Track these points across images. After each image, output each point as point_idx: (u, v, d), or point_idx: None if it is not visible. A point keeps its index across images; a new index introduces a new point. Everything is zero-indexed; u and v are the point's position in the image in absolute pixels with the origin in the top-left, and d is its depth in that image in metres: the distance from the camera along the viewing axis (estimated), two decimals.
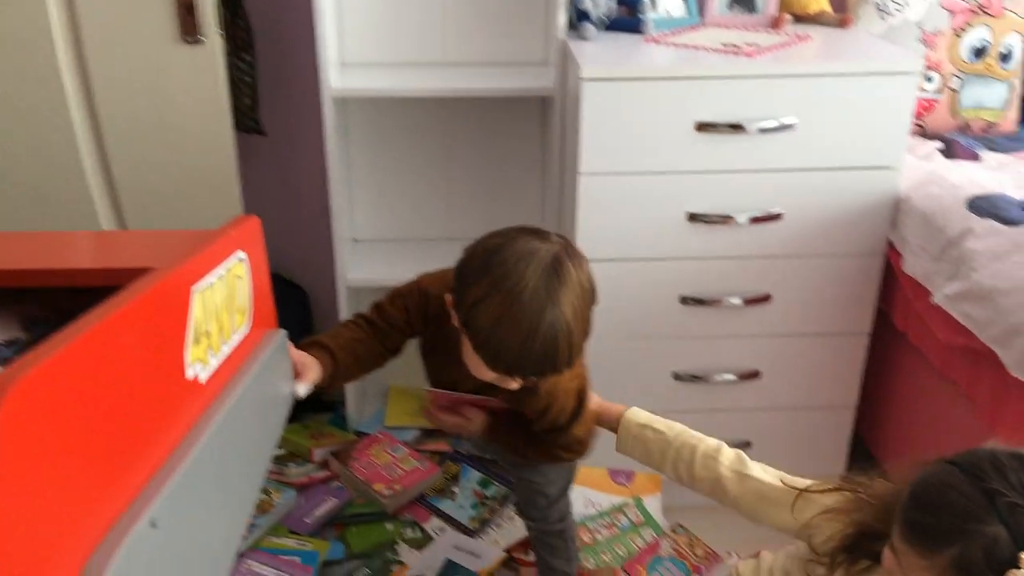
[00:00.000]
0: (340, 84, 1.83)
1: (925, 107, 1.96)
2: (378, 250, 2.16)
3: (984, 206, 1.53)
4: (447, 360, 1.25)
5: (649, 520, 1.85)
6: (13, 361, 0.54)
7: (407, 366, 1.39)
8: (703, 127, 1.60)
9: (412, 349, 1.35)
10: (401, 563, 1.73)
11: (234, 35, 1.88)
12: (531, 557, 1.66)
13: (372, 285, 1.98)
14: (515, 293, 1.03)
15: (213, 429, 0.72)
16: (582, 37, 1.80)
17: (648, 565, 1.75)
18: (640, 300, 1.75)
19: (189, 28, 1.69)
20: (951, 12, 1.94)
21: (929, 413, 1.73)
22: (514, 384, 1.13)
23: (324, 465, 1.99)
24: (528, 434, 1.33)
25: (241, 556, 1.69)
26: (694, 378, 1.82)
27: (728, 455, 1.19)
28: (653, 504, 1.88)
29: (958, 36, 1.95)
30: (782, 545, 1.23)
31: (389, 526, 1.83)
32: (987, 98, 1.98)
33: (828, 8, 1.96)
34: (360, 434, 2.09)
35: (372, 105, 2.05)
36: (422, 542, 1.80)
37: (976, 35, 1.95)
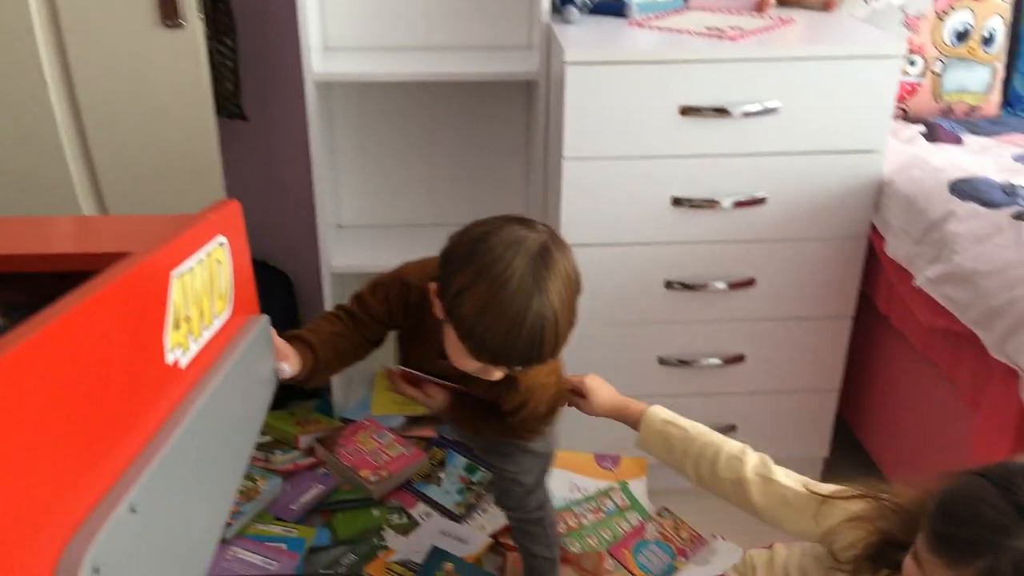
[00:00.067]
0: (323, 68, 1.81)
1: (908, 91, 1.97)
2: (362, 236, 2.15)
3: (966, 189, 1.54)
4: (425, 351, 1.24)
5: (635, 504, 1.86)
6: None
7: (393, 353, 1.39)
8: (687, 111, 1.60)
9: (395, 337, 1.35)
10: (387, 548, 1.73)
11: (215, 19, 1.86)
12: None
13: (357, 271, 1.98)
14: (501, 281, 1.02)
15: (194, 414, 0.71)
16: (566, 21, 1.80)
17: (633, 548, 1.76)
18: (625, 285, 1.75)
19: (169, 12, 1.67)
20: None
21: (911, 395, 1.74)
22: (497, 374, 1.12)
23: (310, 452, 1.99)
24: (488, 415, 1.32)
25: (227, 543, 1.69)
26: (679, 362, 1.82)
27: (753, 458, 1.18)
28: (638, 488, 1.89)
29: (941, 20, 1.95)
30: (773, 533, 1.24)
31: (375, 512, 1.83)
32: (970, 82, 1.99)
33: None
34: (346, 421, 2.09)
35: (355, 90, 2.04)
36: (408, 528, 1.80)
37: (959, 18, 1.95)
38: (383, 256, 2.01)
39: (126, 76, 1.74)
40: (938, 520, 0.87)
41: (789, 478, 1.16)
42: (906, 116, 1.98)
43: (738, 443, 1.20)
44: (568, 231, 1.70)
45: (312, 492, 1.85)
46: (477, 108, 2.09)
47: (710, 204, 1.68)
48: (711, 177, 1.67)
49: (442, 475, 1.93)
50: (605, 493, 1.87)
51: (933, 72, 1.97)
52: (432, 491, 1.89)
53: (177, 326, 0.72)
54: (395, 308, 1.26)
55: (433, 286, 1.12)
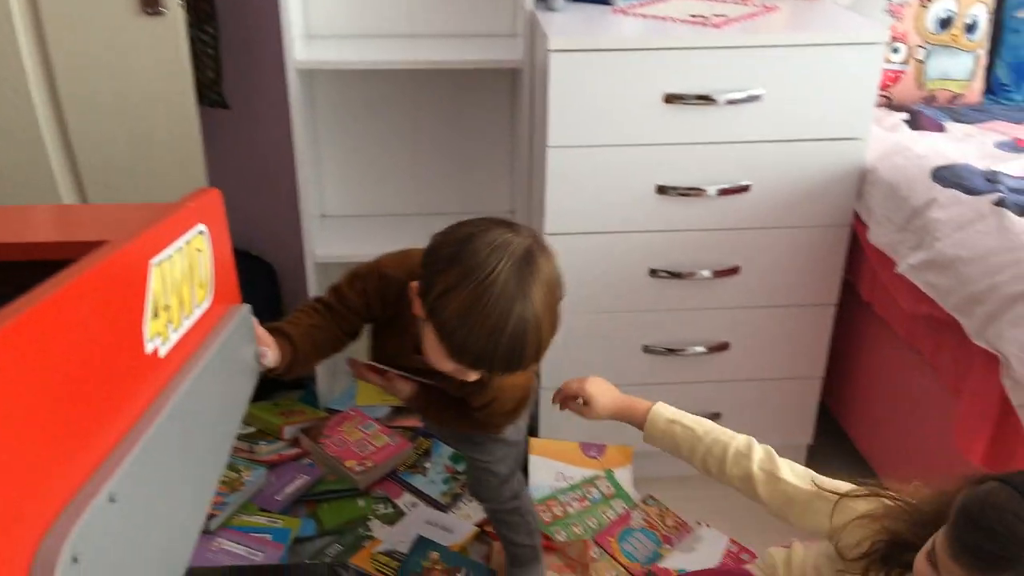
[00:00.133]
0: (305, 56, 1.80)
1: (891, 78, 1.98)
2: (347, 225, 2.14)
3: (948, 176, 1.54)
4: (400, 344, 1.24)
5: (620, 492, 1.87)
6: None
7: (366, 344, 1.38)
8: (671, 99, 1.60)
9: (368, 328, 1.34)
10: (373, 539, 1.73)
11: (196, 6, 1.84)
12: None
13: (341, 261, 1.96)
14: (486, 285, 1.00)
15: (174, 403, 0.71)
16: (550, 8, 1.79)
17: (619, 536, 1.76)
18: (610, 273, 1.75)
19: (150, 0, 1.65)
20: None
21: (894, 382, 1.75)
22: (473, 376, 1.10)
23: (295, 443, 1.98)
24: (454, 409, 1.32)
25: (212, 534, 1.68)
26: (664, 351, 1.83)
27: (759, 452, 1.18)
28: (624, 476, 1.90)
29: (924, 7, 1.96)
30: (759, 521, 1.24)
31: (361, 502, 1.83)
32: (953, 69, 1.99)
33: None
34: (331, 411, 2.09)
35: (338, 78, 2.03)
36: (394, 518, 1.80)
37: (942, 6, 1.96)
38: (367, 246, 2.00)
39: (106, 64, 1.72)
40: (963, 528, 0.86)
41: (795, 475, 1.15)
42: (890, 104, 1.99)
43: (744, 437, 1.20)
44: (553, 220, 1.70)
45: (297, 483, 1.85)
46: (461, 97, 2.08)
47: (694, 192, 1.68)
48: (695, 165, 1.67)
49: (428, 465, 1.93)
50: (591, 481, 1.88)
51: (916, 60, 1.97)
52: (418, 481, 1.89)
53: (156, 315, 0.72)
54: (373, 301, 1.25)
55: (414, 284, 1.10)
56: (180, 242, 0.77)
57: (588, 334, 1.80)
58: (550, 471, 1.89)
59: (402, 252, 1.25)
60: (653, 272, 1.75)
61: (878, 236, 1.65)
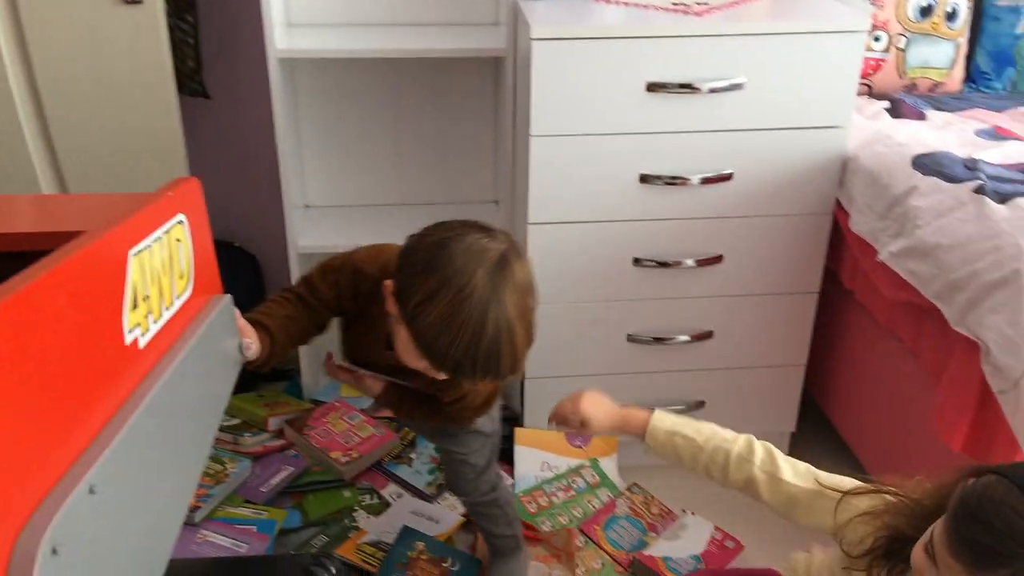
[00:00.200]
0: (286, 45, 1.79)
1: (873, 67, 1.98)
2: (330, 216, 2.13)
3: (928, 164, 1.55)
4: (372, 340, 1.24)
5: (605, 481, 1.88)
6: None
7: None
8: (654, 87, 1.60)
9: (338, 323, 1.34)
10: (359, 529, 1.73)
11: None
12: None
13: (324, 251, 1.95)
14: (464, 295, 1.02)
15: (154, 394, 0.70)
16: None
17: (604, 524, 1.77)
18: (594, 262, 1.75)
19: None
20: None
21: (875, 369, 1.77)
22: (442, 375, 1.12)
23: (279, 434, 1.98)
24: (424, 404, 1.33)
25: (196, 526, 1.68)
26: (648, 340, 1.83)
27: (759, 453, 1.18)
28: (609, 465, 1.91)
29: None
30: (755, 512, 1.25)
31: (346, 493, 1.83)
32: (933, 57, 2.00)
33: None
34: (316, 402, 2.08)
35: (320, 67, 2.01)
36: (380, 508, 1.80)
37: None
38: (351, 236, 2.00)
39: (85, 54, 1.70)
40: (961, 522, 0.86)
41: (796, 474, 1.16)
42: (871, 92, 2.00)
43: (743, 438, 1.20)
44: (537, 209, 1.69)
45: (282, 474, 1.84)
46: (444, 86, 2.07)
47: (677, 181, 1.68)
48: (678, 153, 1.67)
49: (413, 455, 1.93)
50: (576, 471, 1.88)
51: (897, 48, 1.98)
52: (403, 471, 1.89)
53: (136, 306, 0.71)
54: (345, 294, 1.25)
55: (389, 284, 1.11)
56: (159, 232, 0.77)
57: (572, 323, 1.80)
58: (536, 461, 1.90)
59: (376, 247, 1.25)
60: (637, 261, 1.75)
61: (859, 224, 1.66)
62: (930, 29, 1.98)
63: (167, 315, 0.78)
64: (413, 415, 1.36)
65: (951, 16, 1.98)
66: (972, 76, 2.08)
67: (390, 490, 1.84)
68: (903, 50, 1.98)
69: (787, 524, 1.19)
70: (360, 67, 2.02)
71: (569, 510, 1.80)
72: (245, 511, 1.74)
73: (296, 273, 1.97)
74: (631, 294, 1.79)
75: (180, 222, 0.82)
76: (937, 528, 0.90)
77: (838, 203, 1.74)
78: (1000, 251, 1.32)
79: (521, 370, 1.10)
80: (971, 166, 1.52)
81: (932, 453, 1.49)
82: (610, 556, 1.70)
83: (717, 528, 1.75)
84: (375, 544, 1.68)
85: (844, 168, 1.71)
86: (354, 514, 1.77)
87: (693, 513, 1.80)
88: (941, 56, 2.01)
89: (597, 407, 1.28)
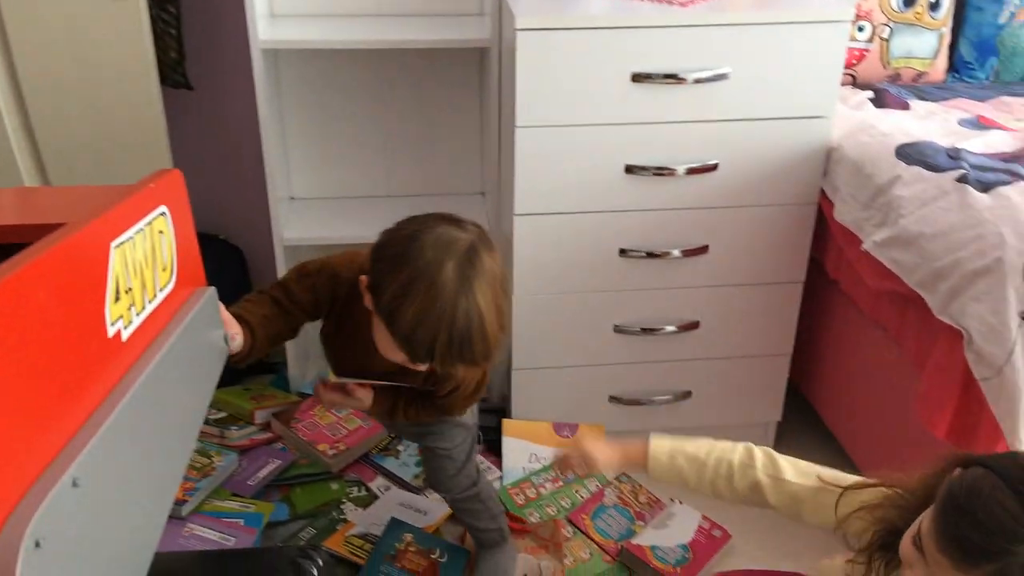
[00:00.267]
0: (269, 36, 1.78)
1: (857, 57, 1.99)
2: (315, 208, 2.13)
3: (912, 153, 1.56)
4: (357, 343, 1.25)
5: None
6: None
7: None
8: (639, 77, 1.60)
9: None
10: (347, 522, 1.73)
11: None
12: None
13: (310, 244, 1.95)
14: (437, 287, 1.06)
15: (138, 387, 0.70)
16: None
17: (592, 513, 1.78)
18: (580, 253, 1.75)
19: None
20: None
21: (860, 358, 1.78)
22: (422, 367, 1.15)
23: (266, 427, 1.97)
24: (419, 401, 1.36)
25: (184, 520, 1.67)
26: (635, 330, 1.84)
27: (760, 458, 1.19)
28: None
29: None
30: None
31: (334, 486, 1.83)
32: (916, 47, 2.01)
33: None
34: (302, 395, 2.08)
35: (304, 58, 2.00)
36: (367, 500, 1.80)
37: None
38: (336, 228, 2.00)
39: (66, 45, 1.69)
40: (948, 518, 0.87)
41: (798, 472, 1.17)
42: (855, 82, 2.00)
43: (741, 446, 1.22)
44: (523, 200, 1.69)
45: (269, 467, 1.84)
46: (429, 77, 2.06)
47: (663, 171, 1.68)
48: (664, 144, 1.67)
49: (400, 447, 1.93)
50: None
51: (881, 38, 1.99)
52: (390, 463, 1.89)
53: (118, 298, 0.71)
54: (322, 298, 1.27)
55: (364, 279, 1.14)
56: (141, 224, 0.76)
57: (559, 314, 1.81)
58: (523, 452, 1.90)
59: (351, 251, 1.28)
60: (623, 252, 1.76)
61: (844, 214, 1.66)
62: (914, 19, 1.99)
63: (150, 307, 0.78)
64: (408, 415, 1.37)
65: (934, 6, 1.99)
66: (955, 66, 2.09)
67: (378, 482, 1.84)
68: (887, 40, 1.99)
69: (775, 515, 1.20)
70: (344, 58, 2.01)
71: (557, 501, 1.81)
72: (232, 504, 1.74)
73: (282, 265, 1.96)
74: (617, 285, 1.80)
75: (162, 214, 0.81)
76: (924, 521, 0.91)
77: (823, 193, 1.75)
78: (983, 240, 1.33)
79: (495, 356, 1.14)
80: (954, 155, 1.53)
81: (917, 441, 1.51)
82: (598, 545, 1.71)
83: (705, 517, 1.76)
84: (363, 536, 1.68)
85: (828, 158, 1.72)
86: (342, 506, 1.77)
87: (681, 502, 1.80)
88: (924, 46, 2.02)
89: (600, 449, 1.31)
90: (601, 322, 1.83)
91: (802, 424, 2.01)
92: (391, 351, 1.14)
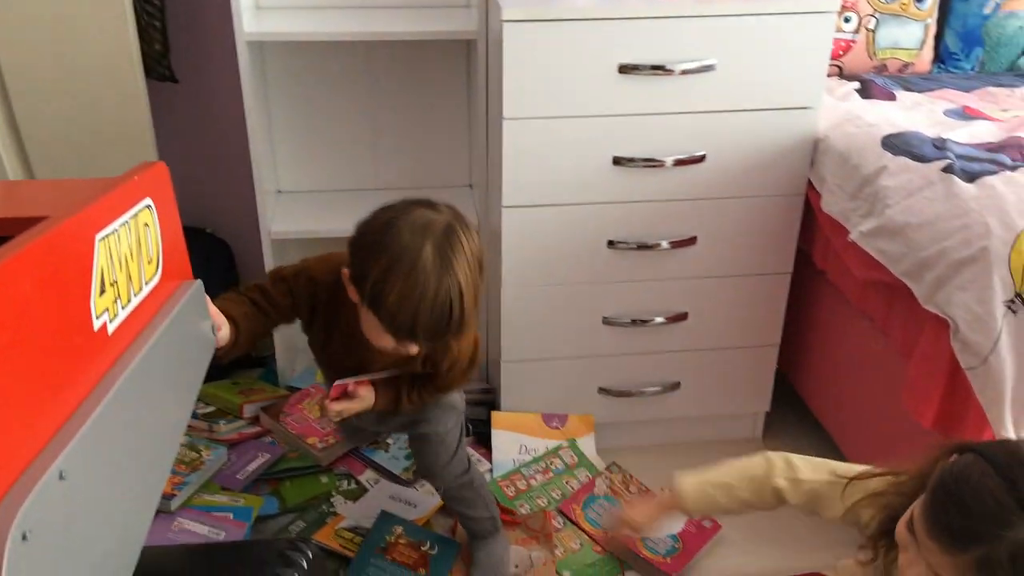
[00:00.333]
0: (255, 28, 1.77)
1: (843, 48, 2.00)
2: (302, 201, 2.12)
3: (898, 144, 1.56)
4: (351, 346, 1.27)
5: (583, 461, 1.88)
6: None
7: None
8: (626, 69, 1.60)
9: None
10: (337, 515, 1.73)
11: None
12: None
13: (298, 238, 1.95)
14: (417, 269, 1.09)
15: (124, 380, 0.70)
16: None
17: (583, 503, 1.78)
18: (568, 245, 1.75)
19: None
20: None
21: (847, 348, 1.79)
22: (414, 349, 1.18)
23: (255, 421, 1.97)
24: (422, 383, 1.39)
25: (173, 514, 1.67)
26: (624, 322, 1.84)
27: (777, 464, 1.23)
28: (587, 445, 1.92)
29: None
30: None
31: (324, 479, 1.83)
32: (903, 38, 2.02)
33: None
34: (291, 389, 2.07)
35: (290, 50, 1.99)
36: (357, 494, 1.80)
37: None
38: (323, 222, 1.99)
39: (49, 37, 1.67)
40: (938, 504, 0.88)
41: (813, 469, 1.20)
42: (841, 73, 2.01)
43: (759, 456, 1.25)
44: (511, 192, 1.69)
45: (258, 461, 1.84)
46: (416, 69, 2.06)
47: (650, 163, 1.68)
48: (651, 136, 1.67)
49: (389, 441, 1.93)
50: (554, 452, 1.89)
51: (867, 29, 2.00)
52: (380, 456, 1.88)
53: (103, 291, 0.70)
54: (300, 302, 1.29)
55: (346, 272, 1.18)
56: (126, 216, 0.76)
57: (548, 306, 1.81)
58: (513, 444, 1.90)
59: (326, 254, 1.31)
60: (611, 243, 1.76)
61: (830, 204, 1.67)
62: (899, 10, 2.00)
63: (136, 300, 0.77)
64: (412, 400, 1.40)
65: None
66: (941, 56, 2.09)
67: (367, 475, 1.84)
68: (873, 31, 2.00)
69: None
70: (331, 50, 2.00)
71: (548, 492, 1.81)
72: (222, 498, 1.73)
73: (269, 259, 1.95)
74: (606, 276, 1.80)
75: (148, 206, 0.81)
76: (917, 507, 0.92)
77: (809, 184, 1.75)
78: (968, 229, 1.34)
79: (471, 327, 1.21)
80: (940, 146, 1.54)
81: (904, 430, 1.51)
82: (588, 535, 1.71)
83: None
84: (353, 529, 1.68)
85: (815, 149, 1.72)
86: (331, 500, 1.77)
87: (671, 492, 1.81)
88: (910, 37, 2.02)
89: (642, 514, 1.39)
90: (590, 314, 1.83)
91: (790, 414, 2.02)
92: (380, 337, 1.16)
